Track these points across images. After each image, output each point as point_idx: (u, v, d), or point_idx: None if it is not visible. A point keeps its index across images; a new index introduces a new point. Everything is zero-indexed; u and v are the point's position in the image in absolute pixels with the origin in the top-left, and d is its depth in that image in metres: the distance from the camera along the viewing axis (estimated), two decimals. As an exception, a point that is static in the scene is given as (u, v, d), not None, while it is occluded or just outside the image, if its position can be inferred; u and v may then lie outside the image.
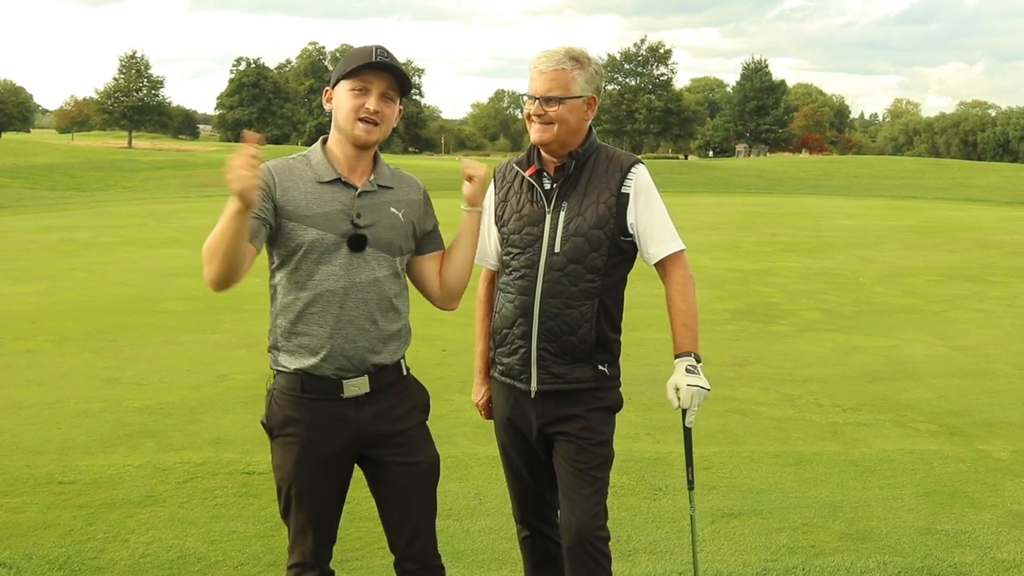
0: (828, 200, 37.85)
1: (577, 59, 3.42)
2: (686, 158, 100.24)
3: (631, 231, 3.46)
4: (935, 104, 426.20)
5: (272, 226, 3.07)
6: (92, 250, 17.34)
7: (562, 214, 3.44)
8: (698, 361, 3.42)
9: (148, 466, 5.95)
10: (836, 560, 4.72)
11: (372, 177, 3.17)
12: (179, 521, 5.13)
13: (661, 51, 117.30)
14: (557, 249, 3.43)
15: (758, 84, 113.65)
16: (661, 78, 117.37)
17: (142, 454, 6.18)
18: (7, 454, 6.15)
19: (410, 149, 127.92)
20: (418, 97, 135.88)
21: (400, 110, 3.21)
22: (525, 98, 3.48)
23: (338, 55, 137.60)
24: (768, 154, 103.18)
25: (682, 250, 3.53)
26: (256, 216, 2.98)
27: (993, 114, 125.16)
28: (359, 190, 3.13)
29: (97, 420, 6.91)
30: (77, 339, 9.66)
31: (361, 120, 3.07)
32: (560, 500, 3.53)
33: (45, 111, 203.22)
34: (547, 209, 3.47)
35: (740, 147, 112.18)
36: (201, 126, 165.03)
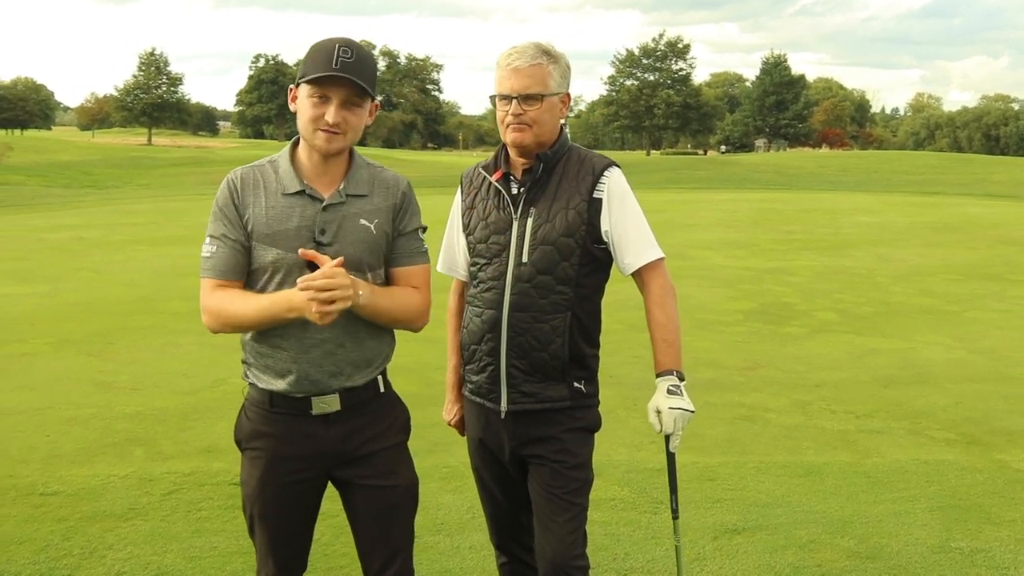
0: (847, 196, 37.45)
1: (549, 53, 3.19)
2: (705, 153, 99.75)
3: (605, 239, 3.22)
4: (957, 98, 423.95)
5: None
6: (100, 249, 17.23)
7: (530, 221, 3.21)
8: (681, 380, 3.18)
9: (134, 476, 5.77)
10: (843, 581, 4.49)
11: (342, 186, 2.91)
12: (160, 536, 4.95)
13: (680, 46, 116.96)
14: (525, 259, 3.19)
15: (777, 79, 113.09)
16: (680, 73, 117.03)
17: (129, 463, 6.00)
18: (-9, 463, 5.99)
19: (429, 145, 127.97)
20: (437, 93, 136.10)
21: (375, 106, 2.95)
22: (497, 99, 3.23)
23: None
24: (787, 149, 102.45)
25: (661, 259, 3.28)
26: (238, 249, 2.88)
27: (1016, 108, 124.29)
28: (324, 203, 2.87)
29: (86, 427, 6.74)
30: (75, 342, 9.51)
31: (322, 130, 2.83)
32: (535, 527, 3.29)
33: (66, 108, 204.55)
34: (514, 216, 3.24)
35: (759, 142, 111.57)
36: (221, 123, 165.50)
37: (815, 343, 9.91)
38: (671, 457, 3.32)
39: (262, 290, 2.89)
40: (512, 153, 3.28)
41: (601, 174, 3.24)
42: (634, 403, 7.17)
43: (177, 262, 15.21)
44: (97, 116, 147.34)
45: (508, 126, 3.19)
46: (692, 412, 3.17)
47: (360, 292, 2.75)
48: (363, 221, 2.91)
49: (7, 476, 5.76)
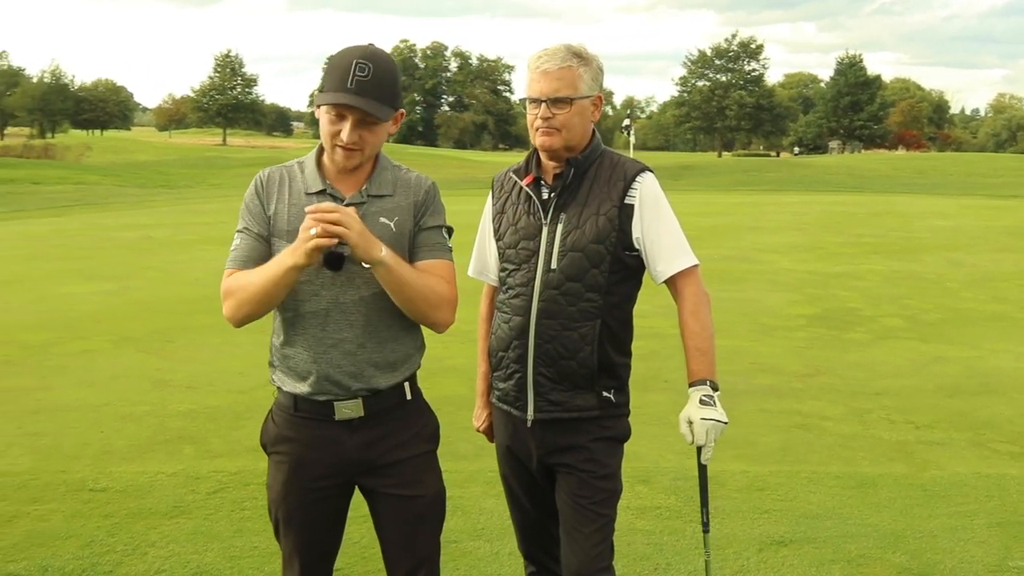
0: (921, 199, 36.67)
1: (580, 55, 3.10)
2: (777, 155, 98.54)
3: (636, 245, 3.13)
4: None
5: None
6: (167, 248, 17.51)
7: (560, 227, 3.13)
8: (715, 390, 3.08)
9: (181, 474, 5.81)
10: (892, 598, 4.34)
11: (365, 186, 2.88)
12: (202, 534, 4.97)
13: (753, 46, 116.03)
14: (554, 265, 3.12)
15: (852, 79, 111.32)
16: (752, 74, 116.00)
17: (178, 461, 6.05)
18: (45, 459, 6.08)
19: (500, 146, 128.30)
20: (508, 94, 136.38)
21: (400, 113, 2.88)
22: (527, 102, 3.16)
23: (429, 53, 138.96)
24: (862, 151, 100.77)
25: (695, 266, 3.17)
26: (260, 241, 2.88)
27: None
28: (345, 202, 2.84)
29: (140, 424, 6.81)
30: (135, 340, 9.65)
31: (339, 147, 2.80)
32: (561, 537, 3.22)
33: (145, 109, 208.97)
34: (544, 221, 3.16)
35: (833, 144, 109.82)
36: (295, 123, 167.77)
37: (878, 350, 9.66)
38: (703, 469, 3.23)
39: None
40: (543, 157, 3.21)
41: (633, 179, 3.15)
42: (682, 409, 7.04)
43: (242, 261, 15.36)
44: (174, 117, 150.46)
45: (537, 130, 3.12)
46: (725, 423, 3.07)
47: (383, 252, 2.68)
48: (383, 219, 2.87)
49: (59, 471, 5.83)
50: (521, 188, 3.25)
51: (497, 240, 3.30)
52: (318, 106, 2.85)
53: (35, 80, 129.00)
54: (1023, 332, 10.71)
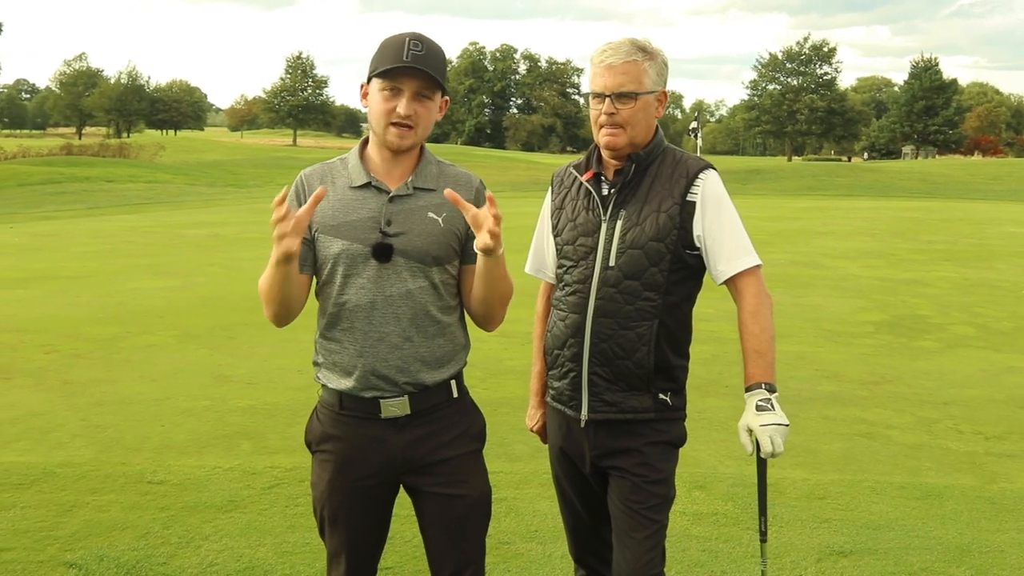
0: (996, 206, 35.79)
1: (645, 50, 3.03)
2: (849, 160, 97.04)
3: (697, 244, 3.05)
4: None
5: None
6: (234, 246, 17.73)
7: (619, 223, 3.06)
8: (772, 392, 2.98)
9: (238, 469, 5.84)
10: (956, 613, 4.20)
11: (410, 179, 2.86)
12: (255, 529, 4.98)
13: (825, 49, 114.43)
14: (612, 262, 3.05)
15: (927, 83, 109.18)
16: (824, 77, 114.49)
17: (235, 456, 6.09)
18: (106, 450, 6.16)
19: (568, 148, 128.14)
20: (577, 97, 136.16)
21: (445, 101, 2.88)
22: (590, 97, 3.10)
23: (498, 55, 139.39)
24: (937, 156, 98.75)
25: (757, 266, 3.08)
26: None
27: None
28: (391, 194, 2.83)
29: (199, 419, 6.88)
30: (198, 335, 9.77)
31: (393, 124, 2.78)
32: (613, 542, 3.15)
33: (218, 110, 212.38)
34: (603, 218, 3.10)
35: (907, 149, 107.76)
36: (364, 125, 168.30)
37: (948, 359, 9.42)
38: (762, 476, 3.15)
39: (328, 281, 2.86)
40: (604, 154, 3.14)
41: (696, 176, 3.07)
42: (740, 415, 6.91)
43: (306, 260, 15.51)
44: (246, 117, 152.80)
45: (601, 126, 3.06)
46: (786, 425, 2.97)
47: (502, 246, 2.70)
48: (431, 214, 2.85)
49: (119, 463, 5.91)
50: (581, 184, 3.19)
51: (555, 236, 3.25)
52: (367, 81, 2.85)
53: (112, 81, 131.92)
54: (1101, 343, 10.36)
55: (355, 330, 2.83)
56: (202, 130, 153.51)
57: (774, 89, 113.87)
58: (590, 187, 3.15)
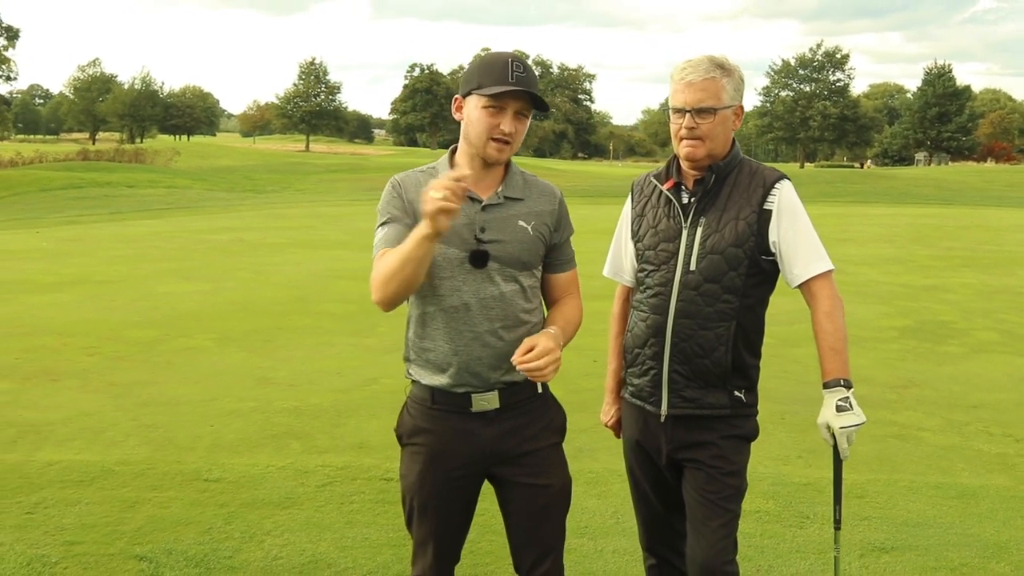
0: (1013, 212, 35.83)
1: (723, 66, 3.22)
2: (862, 167, 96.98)
3: (773, 250, 3.24)
4: None
5: None
6: (259, 251, 17.95)
7: (699, 230, 3.25)
8: (849, 388, 3.16)
9: (290, 468, 6.02)
10: (998, 607, 4.35)
11: (500, 189, 3.05)
12: (314, 525, 5.16)
13: (838, 56, 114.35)
14: (692, 267, 3.24)
15: (940, 90, 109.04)
16: (837, 84, 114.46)
17: (286, 455, 6.27)
18: (160, 449, 6.35)
19: (579, 155, 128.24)
20: (588, 103, 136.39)
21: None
22: (671, 112, 3.29)
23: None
24: (950, 163, 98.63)
25: (830, 270, 3.27)
26: (407, 225, 2.95)
27: None
28: (484, 203, 3.01)
29: (247, 420, 7.06)
30: (235, 338, 9.97)
31: (494, 139, 2.95)
32: (687, 530, 3.34)
33: (230, 116, 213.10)
34: (684, 224, 3.29)
35: (920, 155, 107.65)
36: (376, 131, 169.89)
37: (973, 363, 9.56)
38: (838, 467, 3.32)
39: (427, 284, 3.00)
40: (684, 164, 3.33)
41: (772, 186, 3.26)
42: (781, 417, 7.08)
43: (332, 265, 15.73)
44: (258, 123, 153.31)
45: (682, 140, 3.24)
46: (863, 423, 3.15)
47: (561, 342, 2.92)
48: (521, 223, 3.03)
49: (175, 462, 6.09)
50: (661, 192, 3.37)
51: (636, 242, 3.43)
52: (461, 101, 3.01)
53: (126, 87, 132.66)
54: (1124, 348, 10.48)
55: (450, 329, 2.99)
56: (214, 135, 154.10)
57: (787, 96, 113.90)
58: (671, 196, 3.34)
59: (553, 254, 3.14)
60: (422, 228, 2.71)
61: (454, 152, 3.12)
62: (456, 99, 3.06)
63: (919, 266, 17.74)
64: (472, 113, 2.97)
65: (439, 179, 2.66)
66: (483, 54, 3.08)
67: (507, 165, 3.10)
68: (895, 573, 4.68)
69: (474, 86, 2.95)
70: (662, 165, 3.45)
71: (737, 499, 3.31)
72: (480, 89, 2.93)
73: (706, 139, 3.20)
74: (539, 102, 2.95)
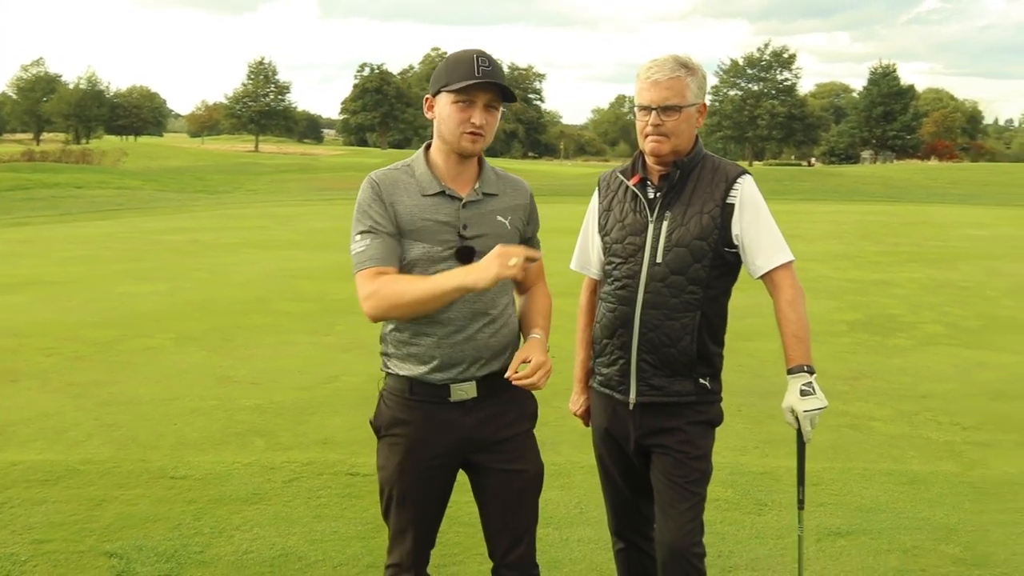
0: (956, 209, 36.55)
1: (687, 65, 3.35)
2: (810, 165, 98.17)
3: (736, 242, 3.37)
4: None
5: None
6: (214, 251, 17.87)
7: (665, 224, 3.37)
8: (812, 374, 3.30)
9: (256, 464, 6.07)
10: (949, 586, 4.53)
11: (477, 185, 3.15)
12: (283, 519, 5.21)
13: (785, 56, 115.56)
14: (659, 259, 3.36)
15: (885, 89, 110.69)
16: (785, 83, 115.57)
17: (251, 452, 6.31)
18: (124, 448, 6.36)
19: (529, 154, 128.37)
20: (539, 103, 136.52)
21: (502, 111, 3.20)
22: (636, 110, 3.41)
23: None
24: (895, 161, 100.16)
25: (791, 261, 3.41)
26: (393, 238, 3.05)
27: None
28: (464, 200, 3.10)
29: (210, 418, 7.09)
30: (195, 338, 9.96)
31: (468, 132, 3.05)
32: (656, 514, 3.46)
33: (178, 116, 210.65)
34: (650, 219, 3.41)
35: (866, 154, 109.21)
36: (325, 131, 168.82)
37: (921, 355, 9.82)
38: (802, 448, 3.47)
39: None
40: (649, 160, 3.45)
41: (735, 181, 3.39)
42: (738, 409, 7.24)
43: (288, 265, 15.71)
44: (207, 123, 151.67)
45: (647, 136, 3.36)
46: (825, 406, 3.30)
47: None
48: (499, 217, 3.15)
49: (139, 460, 6.11)
50: (628, 187, 3.49)
51: (603, 235, 3.54)
52: (432, 100, 3.11)
53: (71, 86, 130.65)
54: (1065, 340, 10.80)
55: (434, 323, 3.07)
56: (162, 136, 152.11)
57: (735, 95, 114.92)
58: (637, 191, 3.46)
59: (525, 245, 3.22)
60: (468, 281, 2.86)
61: (428, 148, 3.20)
62: (427, 99, 3.15)
63: (867, 262, 18.09)
64: (443, 110, 3.07)
65: (515, 248, 2.85)
66: (436, 53, 3.18)
67: (480, 162, 3.20)
68: (850, 556, 4.84)
69: (443, 83, 3.05)
70: (628, 163, 3.57)
71: (703, 482, 3.45)
72: (448, 86, 3.02)
73: (671, 136, 3.32)
74: (507, 93, 3.05)
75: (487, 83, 2.99)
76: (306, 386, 8.04)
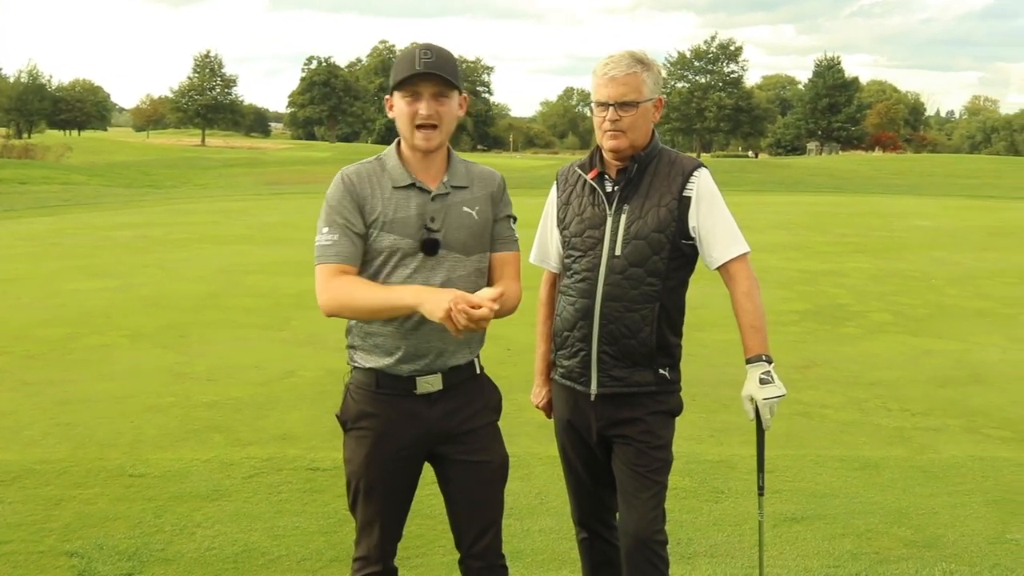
0: (901, 200, 37.12)
1: (643, 61, 3.41)
2: (756, 156, 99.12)
3: (693, 234, 3.44)
4: (1017, 101, 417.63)
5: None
6: (165, 247, 17.67)
7: (623, 217, 3.43)
8: (770, 363, 3.38)
9: (215, 461, 6.05)
10: (900, 568, 4.65)
11: (445, 178, 3.19)
12: (244, 515, 5.22)
13: (732, 48, 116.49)
14: (618, 252, 3.41)
15: (830, 81, 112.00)
16: (731, 76, 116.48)
17: (210, 448, 6.29)
18: (81, 447, 6.31)
19: (478, 147, 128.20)
20: (487, 95, 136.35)
21: (464, 99, 3.23)
22: (594, 106, 3.46)
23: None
24: (840, 152, 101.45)
25: (747, 253, 3.49)
26: (359, 237, 3.10)
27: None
28: (432, 193, 3.15)
29: (167, 415, 7.05)
30: (149, 335, 9.87)
31: (418, 127, 3.09)
32: (618, 503, 3.52)
33: (122, 110, 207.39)
34: (608, 212, 3.46)
35: (811, 145, 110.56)
36: (273, 124, 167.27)
37: (870, 343, 10.02)
38: (761, 436, 3.56)
39: (378, 272, 3.13)
40: (607, 155, 3.50)
41: (691, 174, 3.46)
42: (693, 399, 7.22)
43: (240, 260, 15.58)
44: (152, 117, 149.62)
45: (605, 132, 3.42)
46: (784, 395, 3.39)
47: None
48: (466, 209, 3.18)
49: (96, 459, 6.07)
50: (586, 181, 3.54)
51: (562, 229, 3.59)
52: (390, 100, 3.17)
53: (12, 80, 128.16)
54: (1007, 327, 11.09)
55: (402, 316, 3.10)
56: (106, 130, 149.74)
57: (683, 87, 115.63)
58: (595, 185, 3.51)
59: (493, 231, 3.26)
60: (422, 309, 2.89)
61: (399, 144, 3.24)
62: (387, 100, 3.21)
63: (816, 252, 18.35)
64: (396, 107, 3.14)
65: (474, 307, 2.81)
66: (384, 46, 3.22)
67: (449, 156, 3.24)
68: (806, 541, 4.96)
69: (392, 82, 3.11)
70: (586, 157, 3.62)
71: (665, 471, 3.52)
72: (395, 83, 3.09)
73: (628, 131, 3.38)
74: (449, 81, 3.09)
75: (428, 73, 3.05)
76: (263, 381, 8.02)
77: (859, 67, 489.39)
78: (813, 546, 4.90)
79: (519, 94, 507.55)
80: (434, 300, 2.87)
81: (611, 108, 3.37)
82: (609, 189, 3.49)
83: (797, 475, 5.91)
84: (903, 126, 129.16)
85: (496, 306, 2.82)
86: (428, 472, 3.34)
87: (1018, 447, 6.56)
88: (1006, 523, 5.22)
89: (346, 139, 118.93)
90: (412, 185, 3.15)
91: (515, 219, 3.34)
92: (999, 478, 5.92)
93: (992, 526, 5.17)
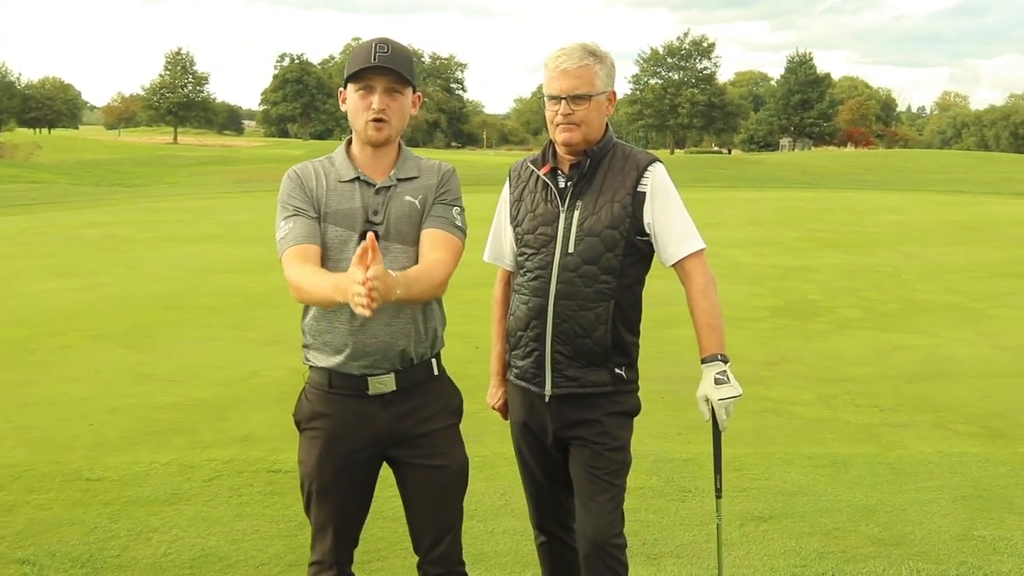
0: (872, 195, 37.34)
1: (595, 53, 3.33)
2: (729, 152, 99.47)
3: (648, 231, 3.36)
4: (986, 97, 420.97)
5: None
6: (132, 246, 17.50)
7: (576, 213, 3.35)
8: (726, 362, 3.31)
9: (175, 463, 5.94)
10: (868, 566, 4.60)
11: (393, 172, 3.13)
12: (203, 519, 5.11)
13: (705, 45, 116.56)
14: (571, 249, 3.33)
15: (803, 77, 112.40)
16: (704, 72, 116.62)
17: (170, 451, 6.18)
18: (38, 450, 6.19)
19: (453, 144, 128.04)
20: (461, 92, 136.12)
21: (418, 97, 3.18)
22: (546, 99, 3.38)
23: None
24: (812, 148, 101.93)
25: (702, 249, 3.41)
26: (313, 219, 3.06)
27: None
28: (377, 187, 3.09)
29: (128, 416, 6.93)
30: (113, 335, 9.74)
31: (371, 120, 3.05)
32: (576, 506, 3.44)
33: (93, 108, 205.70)
34: (561, 208, 3.38)
35: (784, 141, 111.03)
36: (246, 122, 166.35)
37: (840, 339, 10.01)
38: (717, 437, 3.46)
39: (323, 265, 3.05)
40: (560, 149, 3.42)
41: (645, 169, 3.37)
42: (661, 396, 7.29)
43: (208, 259, 15.44)
44: (123, 115, 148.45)
45: (558, 126, 3.33)
46: (740, 395, 3.30)
47: (398, 290, 2.74)
48: (408, 198, 3.11)
49: (53, 462, 5.94)
50: (538, 177, 3.46)
51: (515, 226, 3.50)
52: (344, 93, 3.14)
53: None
54: (976, 322, 11.12)
55: (346, 310, 2.99)
56: (77, 128, 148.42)
57: (656, 83, 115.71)
58: (547, 180, 3.42)
59: (428, 211, 3.12)
60: (338, 295, 2.69)
61: (349, 143, 3.19)
62: (340, 92, 3.16)
63: (786, 248, 18.38)
64: (349, 99, 3.11)
65: (361, 285, 2.55)
66: (357, 43, 3.16)
67: (400, 151, 3.17)
68: (773, 540, 4.90)
69: (346, 74, 3.07)
70: (539, 152, 3.53)
71: (623, 473, 3.43)
72: (349, 75, 3.05)
73: (581, 125, 3.30)
74: (403, 77, 3.04)
75: (382, 67, 3.00)
76: (226, 382, 7.91)
77: (832, 63, 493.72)
78: (780, 545, 4.84)
79: (493, 91, 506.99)
80: (344, 285, 2.68)
81: (563, 101, 3.29)
82: (562, 185, 3.41)
83: (765, 473, 5.86)
84: (875, 122, 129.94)
85: (372, 284, 2.55)
86: (390, 473, 3.26)
87: (986, 443, 6.54)
88: (973, 519, 5.18)
89: (319, 136, 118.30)
90: (357, 179, 3.10)
91: (461, 208, 3.20)
92: (967, 474, 5.89)
93: (960, 523, 5.13)
